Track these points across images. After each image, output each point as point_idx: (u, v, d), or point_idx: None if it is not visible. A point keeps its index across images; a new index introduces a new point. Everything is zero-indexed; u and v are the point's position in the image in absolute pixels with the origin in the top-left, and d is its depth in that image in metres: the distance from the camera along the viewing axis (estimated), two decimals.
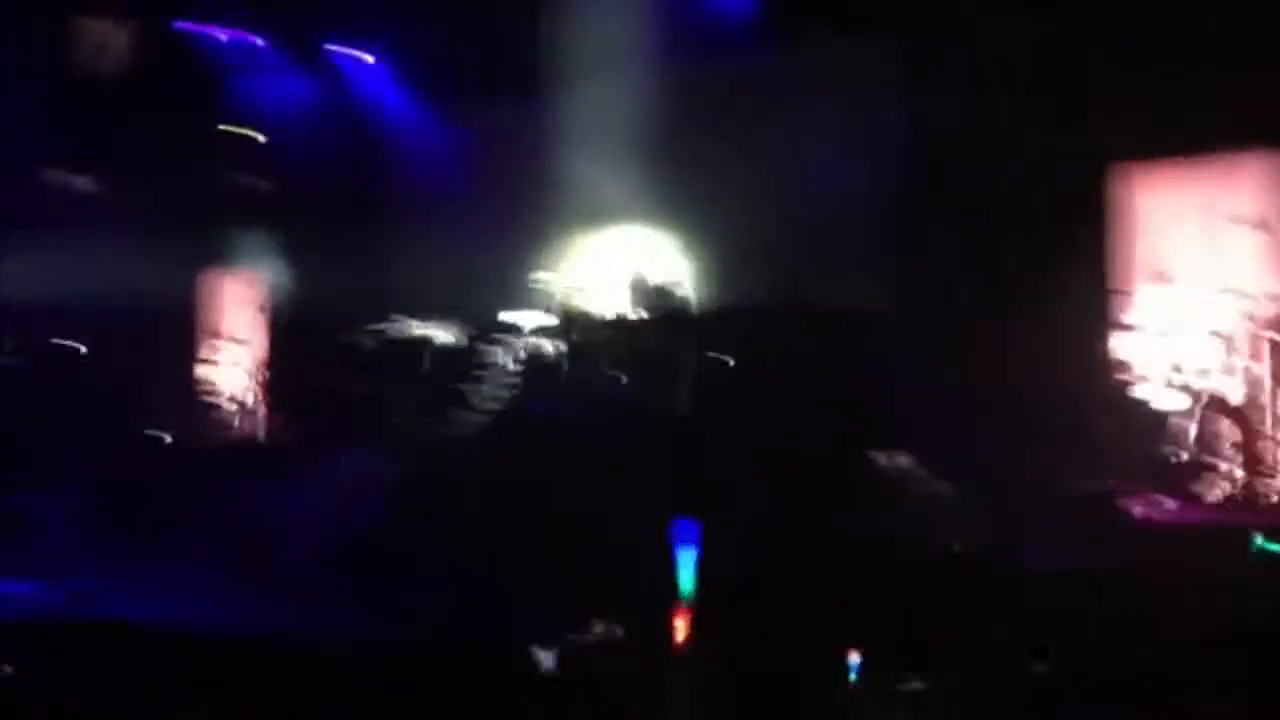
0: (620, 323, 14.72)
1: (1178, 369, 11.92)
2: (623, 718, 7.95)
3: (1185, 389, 11.81)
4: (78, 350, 17.40)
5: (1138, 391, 12.12)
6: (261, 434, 17.63)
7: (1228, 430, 11.67)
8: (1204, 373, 11.79)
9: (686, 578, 7.54)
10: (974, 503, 12.14)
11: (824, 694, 8.14)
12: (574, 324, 15.02)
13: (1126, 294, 12.30)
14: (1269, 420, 11.48)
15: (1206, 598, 9.60)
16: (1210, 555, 10.78)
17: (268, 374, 18.09)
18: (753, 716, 8.05)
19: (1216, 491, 11.63)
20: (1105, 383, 12.33)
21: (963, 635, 9.22)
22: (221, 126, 17.83)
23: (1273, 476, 11.35)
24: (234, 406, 18.09)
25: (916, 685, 8.45)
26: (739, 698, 8.31)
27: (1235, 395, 11.64)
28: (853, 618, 9.32)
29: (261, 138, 18.06)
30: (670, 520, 7.46)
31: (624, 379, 13.87)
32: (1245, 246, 11.73)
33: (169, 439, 16.81)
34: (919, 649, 8.77)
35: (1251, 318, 11.64)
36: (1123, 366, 12.23)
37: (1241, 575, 10.11)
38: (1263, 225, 11.57)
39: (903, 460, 12.51)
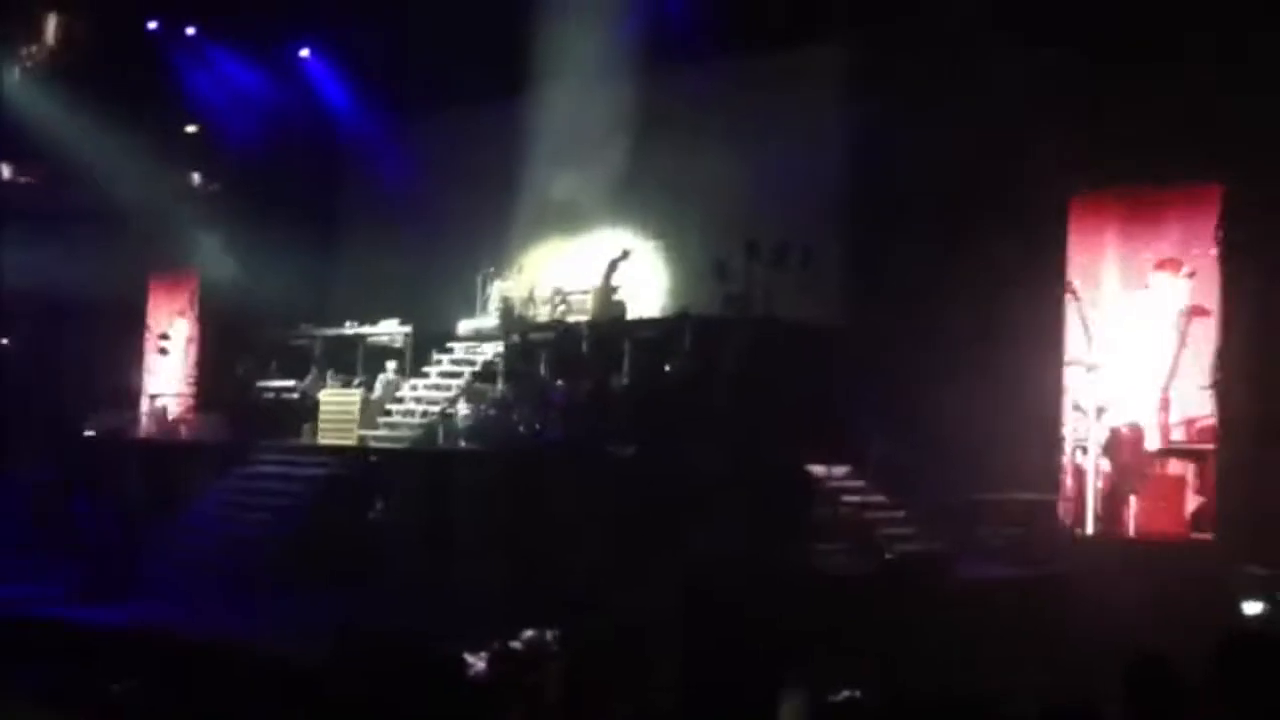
0: (565, 329, 14.60)
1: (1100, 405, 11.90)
2: None
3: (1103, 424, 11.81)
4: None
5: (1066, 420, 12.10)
6: (191, 433, 17.33)
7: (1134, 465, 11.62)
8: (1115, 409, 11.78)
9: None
10: (909, 514, 12.16)
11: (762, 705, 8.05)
12: (513, 327, 14.89)
13: (1065, 328, 12.22)
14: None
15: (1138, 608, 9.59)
16: (1141, 568, 10.76)
17: (201, 373, 17.86)
18: None
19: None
20: (1037, 406, 12.28)
21: (896, 644, 9.17)
22: (170, 124, 17.66)
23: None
24: (166, 405, 17.87)
25: (848, 695, 8.37)
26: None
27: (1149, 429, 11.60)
28: (789, 629, 9.28)
29: (209, 134, 17.86)
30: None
31: (562, 385, 13.74)
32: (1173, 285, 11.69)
33: (99, 434, 16.58)
34: (852, 659, 8.72)
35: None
36: (1053, 394, 12.18)
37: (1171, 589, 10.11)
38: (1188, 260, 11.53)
39: (841, 472, 12.49)
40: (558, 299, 15.13)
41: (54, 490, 14.75)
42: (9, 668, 9.25)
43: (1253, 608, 9.72)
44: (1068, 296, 12.21)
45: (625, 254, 14.95)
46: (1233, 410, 11.26)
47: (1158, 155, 11.48)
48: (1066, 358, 12.20)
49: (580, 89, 14.77)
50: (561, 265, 15.84)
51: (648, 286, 15.32)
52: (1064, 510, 11.77)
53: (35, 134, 16.87)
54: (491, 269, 15.61)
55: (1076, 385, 12.14)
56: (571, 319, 14.71)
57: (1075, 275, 12.31)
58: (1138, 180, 12.01)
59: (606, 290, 14.76)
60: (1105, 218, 12.33)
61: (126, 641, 10.36)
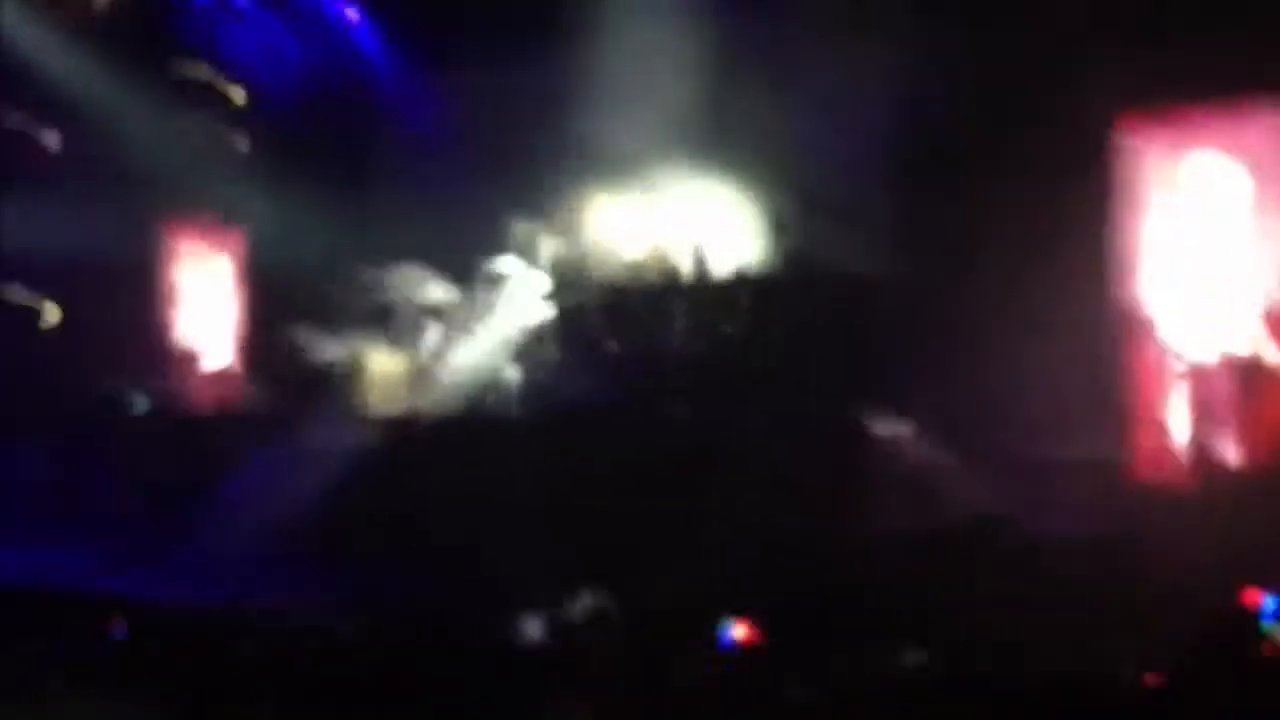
0: (610, 286, 14.31)
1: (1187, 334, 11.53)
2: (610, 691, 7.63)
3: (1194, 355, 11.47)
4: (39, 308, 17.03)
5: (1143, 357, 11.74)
6: (232, 399, 17.04)
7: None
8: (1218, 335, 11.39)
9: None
10: (973, 472, 11.87)
11: (818, 670, 7.87)
12: (562, 286, 14.59)
13: (1131, 256, 11.89)
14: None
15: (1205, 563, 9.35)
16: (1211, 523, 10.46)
17: (240, 333, 17.60)
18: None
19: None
20: (1108, 350, 11.97)
21: (962, 607, 8.98)
22: (199, 74, 17.41)
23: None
24: (204, 368, 17.61)
25: (915, 660, 8.16)
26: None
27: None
28: (853, 594, 9.11)
29: (240, 85, 17.64)
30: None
31: (610, 344, 13.53)
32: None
33: (136, 403, 16.42)
34: (917, 623, 8.53)
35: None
36: (1113, 341, 11.88)
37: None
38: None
39: (901, 429, 12.21)
40: (621, 259, 14.76)
41: (75, 458, 14.58)
42: (35, 642, 9.06)
43: None
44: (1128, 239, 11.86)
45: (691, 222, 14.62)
46: None
47: (1222, 71, 10.94)
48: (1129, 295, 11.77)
49: (632, 33, 14.42)
50: (613, 221, 15.37)
51: (704, 243, 14.98)
52: (1135, 463, 11.41)
53: (63, 92, 16.66)
54: (540, 224, 15.31)
55: (1144, 324, 11.75)
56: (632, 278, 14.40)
57: (1133, 216, 11.85)
58: (1200, 100, 11.44)
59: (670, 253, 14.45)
60: (1165, 147, 11.92)
61: (154, 613, 10.17)
